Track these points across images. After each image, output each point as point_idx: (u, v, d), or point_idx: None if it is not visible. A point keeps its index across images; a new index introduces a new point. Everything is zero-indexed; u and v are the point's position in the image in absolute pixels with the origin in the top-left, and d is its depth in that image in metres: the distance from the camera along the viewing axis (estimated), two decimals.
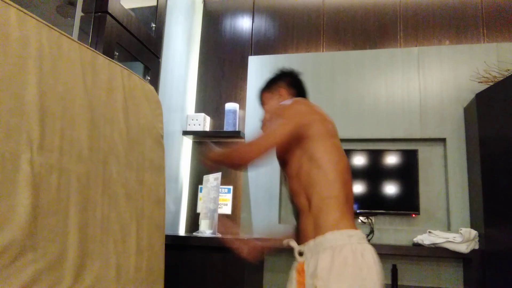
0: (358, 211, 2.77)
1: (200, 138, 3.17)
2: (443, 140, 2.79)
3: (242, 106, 3.17)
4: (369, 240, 2.67)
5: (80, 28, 1.95)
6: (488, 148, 2.39)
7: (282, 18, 3.30)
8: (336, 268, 1.24)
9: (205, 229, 2.66)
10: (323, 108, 3.07)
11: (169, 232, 2.78)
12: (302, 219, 1.42)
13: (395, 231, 2.74)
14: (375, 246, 2.54)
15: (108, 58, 1.57)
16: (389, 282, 2.65)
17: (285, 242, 1.49)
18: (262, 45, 3.29)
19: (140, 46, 2.37)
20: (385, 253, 2.52)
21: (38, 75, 1.18)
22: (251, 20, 3.36)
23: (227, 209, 2.94)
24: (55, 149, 1.23)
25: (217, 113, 3.26)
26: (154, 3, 2.60)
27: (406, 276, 2.68)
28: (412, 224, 2.76)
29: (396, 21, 3.07)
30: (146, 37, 2.42)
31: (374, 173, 2.81)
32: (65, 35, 1.33)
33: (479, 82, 2.67)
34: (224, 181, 3.01)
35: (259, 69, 3.14)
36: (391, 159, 2.80)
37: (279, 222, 2.92)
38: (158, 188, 1.80)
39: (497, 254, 2.26)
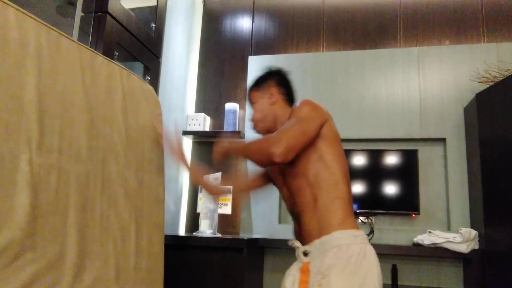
0: (358, 211, 2.77)
1: (200, 138, 3.17)
2: (443, 140, 2.79)
3: (242, 106, 3.17)
4: (369, 240, 2.67)
5: (80, 28, 1.95)
6: (488, 148, 2.39)
7: (282, 18, 3.30)
8: (340, 266, 1.28)
9: (205, 229, 2.66)
10: None
11: (169, 232, 2.78)
12: (305, 218, 1.42)
13: (395, 231, 2.74)
14: (375, 246, 2.54)
15: (107, 58, 1.57)
16: (389, 282, 2.64)
17: (289, 243, 1.51)
18: (262, 45, 3.29)
19: (140, 46, 2.37)
20: (385, 253, 2.52)
21: (37, 75, 1.18)
22: (251, 20, 3.36)
23: (227, 209, 2.94)
24: (54, 149, 1.23)
25: (217, 113, 3.26)
26: (154, 3, 2.60)
27: (406, 276, 2.68)
28: (412, 224, 2.76)
29: (396, 21, 3.07)
30: (146, 37, 2.42)
31: (374, 173, 2.81)
32: (64, 35, 1.33)
33: (479, 82, 2.67)
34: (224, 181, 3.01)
35: (259, 69, 3.10)
36: (391, 159, 2.80)
37: (279, 222, 2.92)
38: (158, 188, 1.80)
39: (497, 254, 2.26)
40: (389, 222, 2.80)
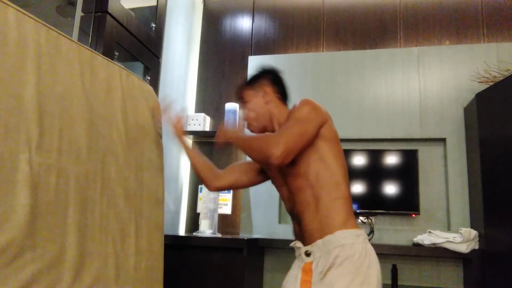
0: (358, 211, 2.77)
1: (200, 138, 3.17)
2: (443, 140, 2.78)
3: None
4: (369, 240, 2.67)
5: (80, 28, 1.95)
6: (488, 148, 2.39)
7: (282, 18, 3.30)
8: (343, 265, 1.29)
9: (205, 229, 2.66)
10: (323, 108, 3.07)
11: (169, 232, 2.78)
12: (307, 219, 1.42)
13: (395, 231, 2.74)
14: (375, 246, 2.54)
15: (107, 58, 1.57)
16: (389, 282, 2.64)
17: (291, 244, 1.51)
18: (262, 45, 3.29)
19: (140, 46, 2.37)
20: (385, 253, 2.52)
21: (36, 75, 1.18)
22: (251, 20, 3.36)
23: (227, 209, 2.94)
24: (53, 149, 1.23)
25: (217, 113, 3.26)
26: (154, 3, 2.60)
27: (406, 276, 2.68)
28: (412, 224, 2.76)
29: (396, 21, 3.07)
30: (146, 37, 2.42)
31: (374, 173, 2.81)
32: (63, 35, 1.33)
33: (479, 82, 2.66)
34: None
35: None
36: (391, 159, 2.80)
37: (279, 222, 2.92)
38: (157, 188, 1.80)
39: (497, 254, 2.25)
40: (389, 222, 2.80)
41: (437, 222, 2.72)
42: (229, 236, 2.62)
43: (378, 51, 2.99)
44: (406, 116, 2.83)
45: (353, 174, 2.82)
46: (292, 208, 1.50)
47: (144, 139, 1.73)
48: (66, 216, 1.26)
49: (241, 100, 1.68)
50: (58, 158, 1.24)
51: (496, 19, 2.91)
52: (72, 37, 1.84)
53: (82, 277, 1.30)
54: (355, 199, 2.78)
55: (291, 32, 3.26)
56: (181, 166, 3.07)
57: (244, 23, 3.38)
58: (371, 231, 2.74)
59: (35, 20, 1.22)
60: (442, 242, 2.41)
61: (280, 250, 2.84)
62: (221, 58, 3.36)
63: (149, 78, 2.48)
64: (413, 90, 2.85)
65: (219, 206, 2.90)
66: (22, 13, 1.16)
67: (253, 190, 2.96)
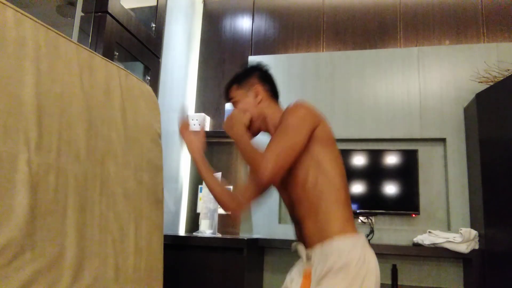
0: (358, 211, 2.77)
1: None
2: (443, 140, 2.78)
3: None
4: (369, 241, 2.67)
5: (80, 28, 1.95)
6: (488, 148, 2.39)
7: (282, 18, 3.30)
8: (340, 271, 1.27)
9: (205, 229, 2.66)
10: (323, 108, 3.07)
11: (169, 232, 2.79)
12: (306, 224, 1.41)
13: (395, 231, 2.74)
14: (375, 246, 2.56)
15: (105, 58, 1.57)
16: (389, 282, 2.64)
17: (293, 246, 1.51)
18: (262, 45, 3.29)
19: (140, 46, 2.37)
20: (385, 253, 2.52)
21: (35, 75, 1.19)
22: (251, 20, 3.36)
23: None
24: (52, 149, 1.23)
25: (217, 113, 3.26)
26: (154, 3, 2.61)
27: (406, 276, 2.68)
28: (412, 224, 2.76)
29: (396, 21, 3.07)
30: (146, 37, 2.42)
31: (374, 173, 2.81)
32: (62, 36, 1.33)
33: (479, 82, 2.66)
34: (224, 181, 3.02)
35: None
36: (391, 159, 2.80)
37: (279, 222, 2.92)
38: (156, 188, 1.80)
39: (497, 254, 2.25)
40: (389, 222, 2.80)
41: (437, 222, 2.72)
42: (229, 236, 2.62)
43: (378, 51, 2.99)
44: (406, 116, 2.83)
45: (353, 174, 2.82)
46: (293, 213, 1.49)
47: (143, 139, 1.73)
48: (66, 216, 1.26)
49: (230, 100, 1.61)
50: (57, 158, 1.24)
51: (496, 19, 2.91)
52: (72, 37, 1.84)
53: (81, 276, 1.30)
54: (355, 199, 2.78)
55: (291, 32, 3.26)
56: (181, 166, 3.07)
57: (244, 23, 3.38)
58: (371, 231, 2.74)
59: (34, 20, 1.22)
60: (442, 242, 2.41)
61: (280, 250, 2.84)
62: (221, 58, 3.36)
63: (149, 78, 2.48)
64: (413, 90, 2.85)
65: (219, 206, 2.90)
66: (21, 13, 1.17)
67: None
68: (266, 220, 2.91)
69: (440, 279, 2.64)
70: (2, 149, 1.06)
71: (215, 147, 3.18)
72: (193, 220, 3.09)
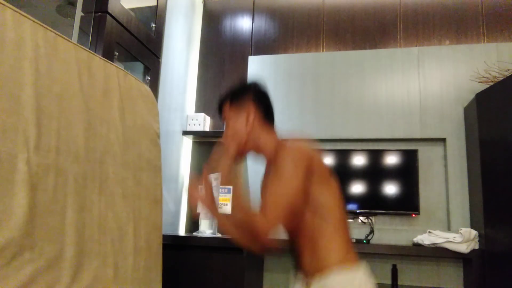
0: (358, 211, 2.77)
1: (200, 138, 3.18)
2: (443, 140, 2.78)
3: None
4: (369, 240, 2.67)
5: (80, 28, 1.96)
6: (488, 148, 2.39)
7: (282, 18, 3.30)
8: None
9: (205, 229, 2.66)
10: (323, 108, 3.07)
11: (169, 232, 2.79)
12: (303, 257, 1.41)
13: (395, 231, 2.74)
14: (375, 246, 2.56)
15: (104, 58, 1.57)
16: (389, 282, 2.64)
17: (292, 274, 1.51)
18: (262, 45, 3.29)
19: (140, 46, 2.37)
20: (385, 253, 2.52)
21: (34, 75, 1.19)
22: (251, 20, 3.36)
23: (227, 209, 2.94)
24: (51, 149, 1.23)
25: (217, 113, 3.25)
26: (154, 3, 2.61)
27: (406, 276, 2.68)
28: (412, 224, 2.75)
29: (396, 21, 3.07)
30: (146, 37, 2.42)
31: (374, 173, 2.81)
32: (61, 36, 1.34)
33: (479, 82, 2.66)
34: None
35: (259, 69, 3.14)
36: (391, 159, 2.80)
37: None
38: (155, 188, 1.80)
39: (497, 254, 2.25)
40: (389, 222, 2.80)
41: (437, 222, 2.72)
42: (229, 236, 2.61)
43: (378, 51, 2.99)
44: (406, 116, 2.82)
45: (353, 174, 2.82)
46: (290, 243, 1.48)
47: (141, 139, 1.73)
48: (65, 216, 1.27)
49: (222, 115, 1.56)
50: (56, 158, 1.24)
51: (496, 19, 2.90)
52: (72, 37, 1.85)
53: (80, 276, 1.30)
54: (355, 199, 2.78)
55: (291, 32, 3.26)
56: (181, 166, 3.07)
57: (244, 23, 3.38)
58: (371, 231, 2.74)
59: (33, 21, 1.22)
60: (442, 242, 2.41)
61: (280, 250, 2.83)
62: (221, 58, 3.36)
63: (149, 78, 2.49)
64: (413, 90, 2.85)
65: (219, 206, 2.90)
66: (20, 14, 1.17)
67: (252, 190, 2.95)
68: None
69: (440, 279, 2.64)
70: (1, 149, 1.06)
71: (215, 147, 3.18)
72: (193, 220, 3.09)
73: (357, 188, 2.79)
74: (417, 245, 2.51)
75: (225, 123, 1.54)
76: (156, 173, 1.83)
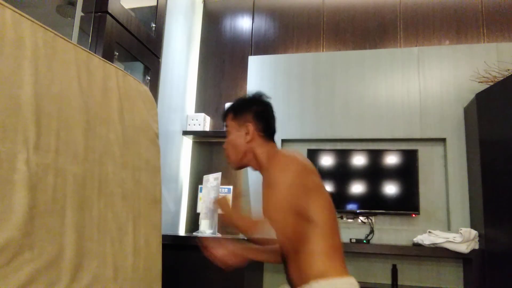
0: (358, 211, 2.77)
1: (200, 138, 3.18)
2: (443, 140, 2.78)
3: None
4: (369, 240, 2.67)
5: (80, 28, 1.96)
6: (488, 148, 2.39)
7: (282, 18, 3.30)
8: None
9: (205, 229, 2.66)
10: (323, 108, 3.07)
11: (169, 232, 2.79)
12: (291, 267, 1.43)
13: (395, 231, 2.74)
14: (375, 246, 2.56)
15: (103, 59, 1.57)
16: (389, 282, 2.64)
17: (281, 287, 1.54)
18: (262, 45, 3.29)
19: (140, 46, 2.37)
20: (385, 253, 2.52)
21: (33, 75, 1.19)
22: (251, 20, 3.36)
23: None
24: (51, 149, 1.23)
25: (217, 113, 3.26)
26: (154, 3, 2.61)
27: (406, 276, 2.68)
28: (412, 224, 2.75)
29: (396, 21, 3.07)
30: (146, 37, 2.42)
31: (374, 173, 2.81)
32: (60, 36, 1.34)
33: (479, 82, 2.66)
34: (224, 181, 3.02)
35: (259, 69, 3.14)
36: (391, 159, 2.80)
37: None
38: (155, 188, 1.80)
39: (497, 254, 2.25)
40: (389, 222, 2.80)
41: (437, 222, 2.72)
42: (229, 236, 2.62)
43: (378, 51, 2.99)
44: (406, 116, 2.82)
45: (353, 174, 2.82)
46: (281, 255, 1.50)
47: (141, 139, 1.73)
48: (64, 216, 1.27)
49: (224, 125, 1.63)
50: (55, 158, 1.24)
51: (496, 19, 2.90)
52: (72, 37, 1.85)
53: (80, 276, 1.30)
54: (355, 199, 2.78)
55: (291, 32, 3.26)
56: (181, 166, 3.07)
57: (244, 23, 3.38)
58: (371, 231, 2.74)
59: (32, 21, 1.22)
60: (442, 242, 2.41)
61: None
62: (221, 58, 3.36)
63: (149, 78, 2.49)
64: (413, 90, 2.85)
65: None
66: (19, 14, 1.17)
67: (252, 190, 2.96)
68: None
69: (440, 279, 2.64)
70: (1, 149, 1.06)
71: (215, 147, 3.19)
72: (193, 220, 3.09)
73: (357, 188, 2.79)
74: (417, 245, 2.51)
75: (227, 131, 1.62)
76: (155, 173, 1.83)
